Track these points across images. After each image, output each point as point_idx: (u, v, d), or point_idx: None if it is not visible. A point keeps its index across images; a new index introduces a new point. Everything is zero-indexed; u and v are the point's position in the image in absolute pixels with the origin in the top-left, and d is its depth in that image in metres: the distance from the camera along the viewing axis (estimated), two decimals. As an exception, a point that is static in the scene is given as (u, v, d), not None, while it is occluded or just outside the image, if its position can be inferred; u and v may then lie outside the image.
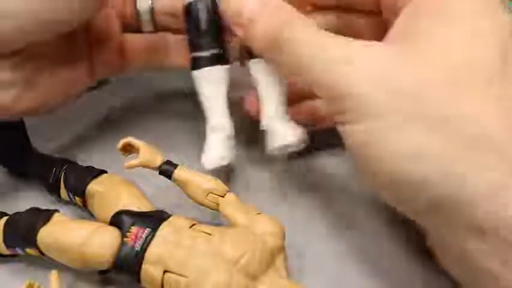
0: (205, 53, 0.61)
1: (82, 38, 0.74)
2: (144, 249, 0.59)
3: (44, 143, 0.92)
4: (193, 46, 0.63)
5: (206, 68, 0.62)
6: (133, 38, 0.81)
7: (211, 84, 0.69)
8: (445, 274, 0.62)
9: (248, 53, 0.65)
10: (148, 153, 0.69)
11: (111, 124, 1.01)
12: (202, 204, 0.68)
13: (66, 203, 0.78)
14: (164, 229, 0.61)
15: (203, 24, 0.64)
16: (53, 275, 0.58)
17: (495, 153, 0.43)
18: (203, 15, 0.64)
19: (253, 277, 0.58)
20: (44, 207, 0.67)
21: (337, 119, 0.53)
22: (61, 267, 0.63)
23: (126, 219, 0.63)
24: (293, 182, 0.86)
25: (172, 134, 0.97)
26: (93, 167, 0.75)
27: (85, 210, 0.75)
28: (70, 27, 0.62)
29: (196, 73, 0.64)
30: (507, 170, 0.42)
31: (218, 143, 0.71)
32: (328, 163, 0.90)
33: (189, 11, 0.65)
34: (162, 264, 0.58)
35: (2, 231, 0.65)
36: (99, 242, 0.59)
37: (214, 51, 0.62)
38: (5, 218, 0.67)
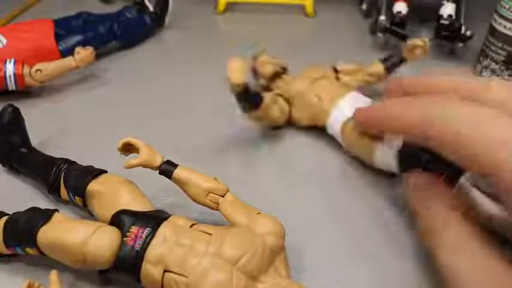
0: None
1: None
2: (144, 249, 0.59)
3: (43, 142, 0.92)
4: None
5: None
6: None
7: None
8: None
9: None
10: (148, 153, 0.68)
11: (110, 123, 1.01)
12: (203, 204, 0.68)
13: (66, 203, 0.78)
14: (164, 229, 0.61)
15: None
16: (53, 275, 0.58)
17: None
18: None
19: (253, 277, 0.58)
20: (44, 207, 0.67)
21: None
22: (61, 267, 0.63)
23: (126, 219, 0.63)
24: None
25: (172, 133, 0.97)
26: (93, 167, 0.75)
27: (85, 210, 0.75)
28: None
29: None
30: None
31: None
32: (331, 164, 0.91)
33: None
34: (162, 264, 0.58)
35: (2, 230, 0.65)
36: (99, 241, 0.59)
37: None
38: (5, 218, 0.67)
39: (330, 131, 0.91)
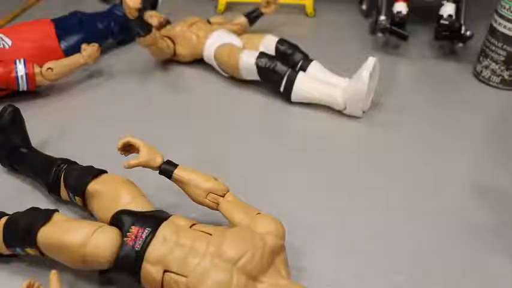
0: None
1: None
2: (144, 249, 0.59)
3: (43, 142, 0.92)
4: None
5: None
6: None
7: None
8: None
9: None
10: (148, 153, 0.68)
11: (110, 123, 1.01)
12: (203, 204, 0.68)
13: (66, 203, 0.78)
14: (164, 229, 0.61)
15: None
16: (53, 275, 0.58)
17: None
18: None
19: (253, 277, 0.58)
20: (44, 207, 0.67)
21: None
22: (61, 267, 0.63)
23: (126, 219, 0.63)
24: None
25: (171, 133, 0.97)
26: (93, 167, 0.75)
27: (85, 210, 0.75)
28: None
29: None
30: None
31: None
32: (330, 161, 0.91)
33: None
34: (162, 264, 0.58)
35: (2, 231, 0.65)
36: (99, 242, 0.59)
37: None
38: (5, 218, 0.67)
39: (206, 60, 1.19)
